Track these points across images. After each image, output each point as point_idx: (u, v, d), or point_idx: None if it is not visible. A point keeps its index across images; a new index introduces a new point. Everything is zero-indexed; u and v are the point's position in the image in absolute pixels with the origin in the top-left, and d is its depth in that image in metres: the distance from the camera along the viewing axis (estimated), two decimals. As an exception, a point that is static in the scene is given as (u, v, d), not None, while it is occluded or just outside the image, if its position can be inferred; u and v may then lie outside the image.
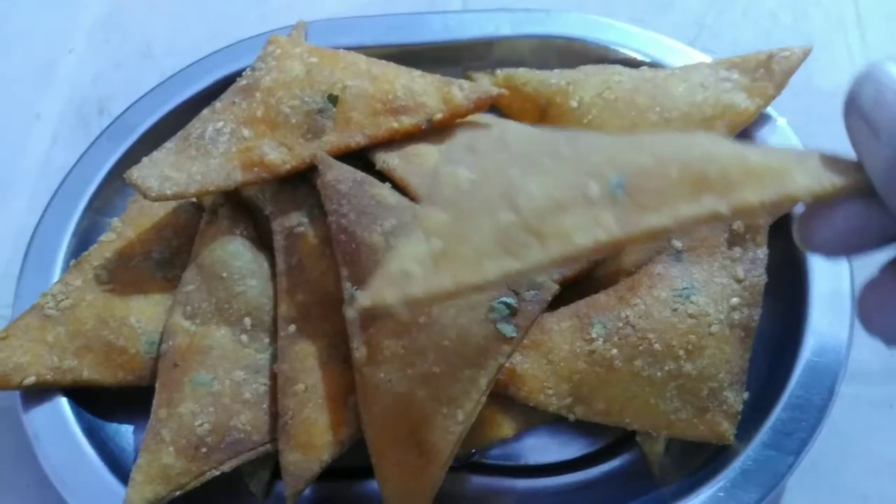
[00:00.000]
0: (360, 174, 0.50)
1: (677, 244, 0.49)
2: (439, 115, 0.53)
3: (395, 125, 0.53)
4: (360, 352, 0.45)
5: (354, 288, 0.46)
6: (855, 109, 0.29)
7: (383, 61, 0.56)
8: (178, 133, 0.53)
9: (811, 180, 0.30)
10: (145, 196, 0.50)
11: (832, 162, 0.31)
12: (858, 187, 0.30)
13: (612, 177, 0.30)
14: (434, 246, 0.30)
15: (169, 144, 0.53)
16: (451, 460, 0.44)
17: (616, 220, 0.29)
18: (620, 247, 0.30)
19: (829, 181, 0.30)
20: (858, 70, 0.30)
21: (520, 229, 0.29)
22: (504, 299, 0.44)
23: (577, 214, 0.30)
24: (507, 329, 0.44)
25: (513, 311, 0.44)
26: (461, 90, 0.54)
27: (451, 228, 0.30)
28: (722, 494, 0.45)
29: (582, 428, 0.50)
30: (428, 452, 0.43)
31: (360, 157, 0.54)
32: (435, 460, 0.43)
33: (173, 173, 0.51)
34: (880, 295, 0.29)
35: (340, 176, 0.49)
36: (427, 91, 0.54)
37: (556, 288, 0.46)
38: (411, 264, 0.30)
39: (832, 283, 0.50)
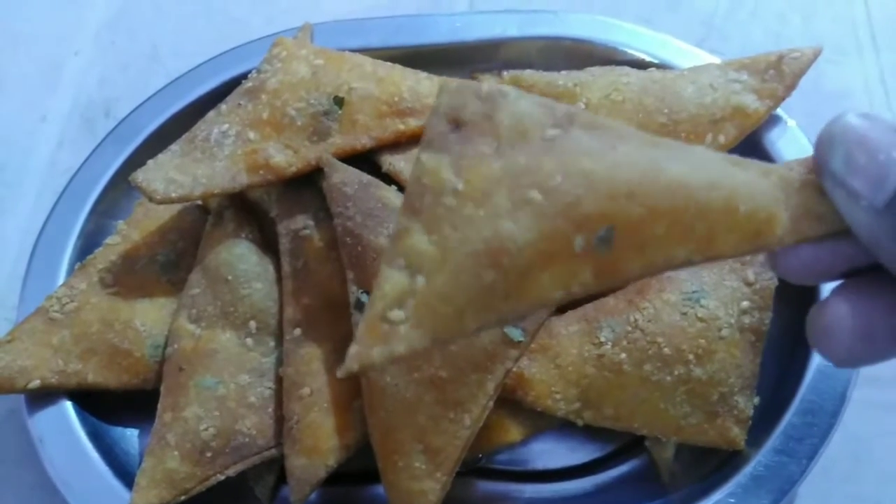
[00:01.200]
0: (366, 177, 0.49)
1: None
2: (445, 118, 0.53)
3: (402, 127, 0.52)
4: (366, 356, 0.44)
5: (360, 291, 0.45)
6: (828, 175, 0.28)
7: (389, 63, 0.56)
8: (184, 135, 0.53)
9: (790, 229, 0.30)
10: (150, 199, 0.50)
11: (815, 198, 0.30)
12: (836, 232, 0.30)
13: (600, 229, 0.29)
14: (418, 285, 0.29)
15: (174, 147, 0.53)
16: (459, 465, 0.43)
17: (593, 275, 0.29)
18: (590, 293, 0.32)
19: (807, 230, 0.30)
20: (821, 132, 0.28)
21: (501, 290, 0.29)
22: None
23: (557, 270, 0.29)
24: (515, 333, 0.43)
25: None
26: None
27: (435, 268, 0.30)
28: (732, 501, 0.45)
29: (590, 433, 0.49)
30: (435, 457, 0.43)
31: (366, 160, 0.53)
32: (442, 465, 0.43)
33: (178, 176, 0.50)
34: (830, 318, 0.29)
35: (346, 178, 0.49)
36: (433, 93, 0.53)
37: None
38: (394, 311, 0.29)
39: (844, 286, 0.49)
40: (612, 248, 0.29)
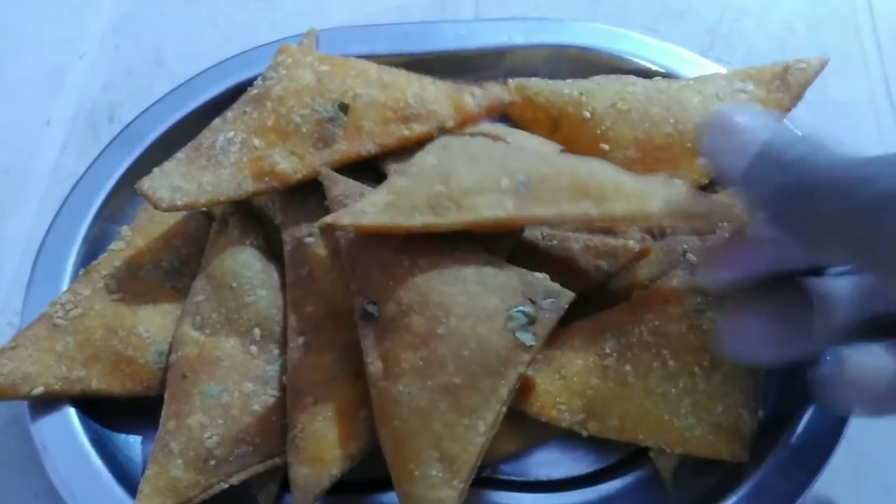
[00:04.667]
0: (366, 188, 0.49)
1: (692, 258, 0.48)
2: (450, 123, 0.53)
3: (406, 133, 0.52)
4: (375, 366, 0.44)
5: (367, 301, 0.45)
6: (705, 155, 0.37)
7: (394, 69, 0.56)
8: (189, 143, 0.53)
9: (664, 210, 0.42)
10: (156, 207, 0.50)
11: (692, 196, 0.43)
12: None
13: (520, 176, 0.43)
14: (389, 199, 0.44)
15: (180, 155, 0.53)
16: (475, 473, 0.43)
17: (514, 205, 0.43)
18: (515, 224, 0.45)
19: (679, 210, 0.42)
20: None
21: (446, 198, 0.43)
22: (521, 308, 0.44)
23: (488, 196, 0.43)
24: (526, 338, 0.43)
25: (531, 320, 0.44)
26: (472, 97, 0.54)
27: (404, 190, 0.44)
28: (736, 513, 0.45)
29: (594, 443, 0.49)
30: (451, 465, 0.42)
31: (370, 167, 0.53)
32: (459, 473, 0.42)
33: (184, 184, 0.50)
34: (738, 322, 0.38)
35: (347, 191, 0.49)
36: (438, 98, 0.53)
37: (571, 295, 0.45)
38: (369, 206, 0.44)
39: (849, 298, 0.49)
40: (529, 190, 0.43)
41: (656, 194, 0.42)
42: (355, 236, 0.47)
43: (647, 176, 0.45)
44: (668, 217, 0.42)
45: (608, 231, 0.51)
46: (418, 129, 0.52)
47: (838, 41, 0.67)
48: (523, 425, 0.48)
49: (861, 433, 0.50)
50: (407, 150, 0.53)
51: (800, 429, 0.46)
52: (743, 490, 0.45)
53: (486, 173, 0.44)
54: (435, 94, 0.54)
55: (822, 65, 0.54)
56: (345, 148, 0.52)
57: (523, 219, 0.43)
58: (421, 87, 0.54)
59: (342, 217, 0.44)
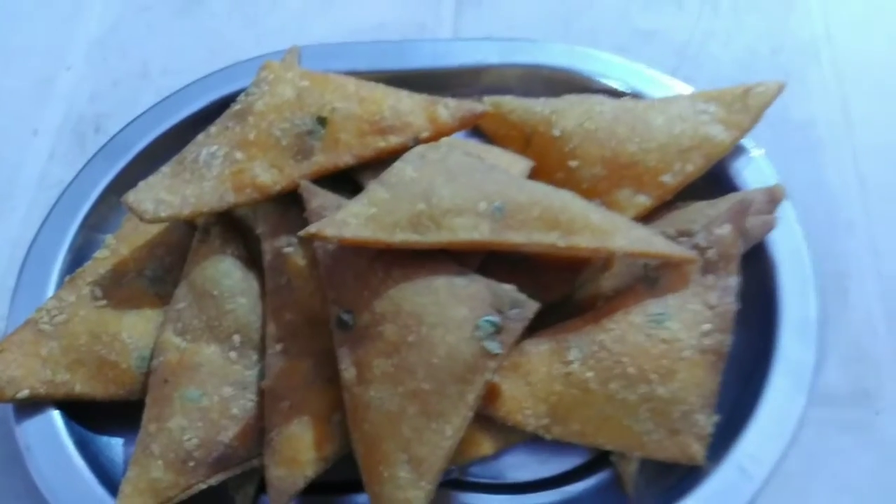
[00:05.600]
0: (344, 200, 0.51)
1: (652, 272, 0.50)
2: (425, 134, 0.55)
3: (382, 144, 0.54)
4: (349, 372, 0.46)
5: (343, 310, 0.47)
6: None
7: (371, 83, 0.57)
8: (174, 157, 0.55)
9: (626, 244, 0.46)
10: (141, 219, 0.52)
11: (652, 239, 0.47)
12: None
13: (497, 202, 0.46)
14: (370, 211, 0.47)
15: (164, 168, 0.54)
16: (441, 475, 0.45)
17: (489, 230, 0.46)
18: (489, 247, 0.47)
19: (639, 251, 0.47)
20: None
21: (427, 217, 0.46)
22: (488, 318, 0.46)
23: (466, 218, 0.46)
24: (493, 346, 0.45)
25: (498, 329, 0.46)
26: (447, 109, 0.55)
27: (385, 203, 0.47)
28: (692, 513, 0.47)
29: (559, 446, 0.50)
30: (419, 467, 0.44)
31: (348, 180, 0.55)
32: (426, 475, 0.44)
33: (168, 196, 0.52)
34: None
35: (326, 203, 0.51)
36: (413, 110, 0.55)
37: (536, 305, 0.47)
38: (351, 217, 0.46)
39: (801, 310, 0.52)
40: (504, 216, 0.46)
41: (620, 232, 0.46)
42: (332, 247, 0.49)
43: (615, 214, 0.49)
44: (628, 255, 0.47)
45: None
46: (394, 140, 0.54)
47: (799, 64, 0.70)
48: (494, 430, 0.49)
49: (812, 438, 0.52)
50: (383, 161, 0.55)
51: (753, 434, 0.48)
52: (699, 492, 0.47)
53: (465, 194, 0.46)
54: (410, 107, 0.55)
55: (780, 88, 0.57)
56: (323, 160, 0.54)
57: (496, 243, 0.46)
58: (397, 100, 0.56)
59: (325, 228, 0.46)
